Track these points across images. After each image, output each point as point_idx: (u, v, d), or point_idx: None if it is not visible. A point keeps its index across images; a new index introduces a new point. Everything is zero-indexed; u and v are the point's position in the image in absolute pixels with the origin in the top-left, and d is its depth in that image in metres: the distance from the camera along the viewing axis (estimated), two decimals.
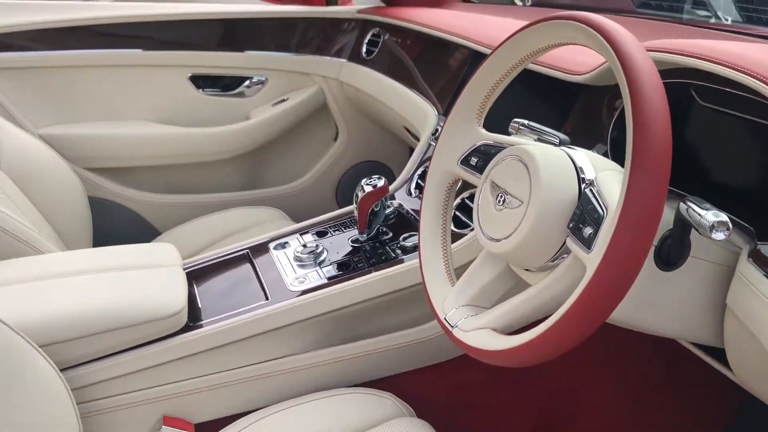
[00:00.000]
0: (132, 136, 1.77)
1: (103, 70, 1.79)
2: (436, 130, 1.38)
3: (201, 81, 1.88)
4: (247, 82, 1.93)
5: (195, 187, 1.89)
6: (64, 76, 1.75)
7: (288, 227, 1.29)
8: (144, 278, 1.04)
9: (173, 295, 1.00)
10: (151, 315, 0.97)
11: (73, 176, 1.56)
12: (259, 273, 1.14)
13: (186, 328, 1.01)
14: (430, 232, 0.91)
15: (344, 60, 1.95)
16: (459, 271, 0.88)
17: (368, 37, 1.91)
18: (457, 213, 1.15)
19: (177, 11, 1.83)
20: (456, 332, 0.78)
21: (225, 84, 1.90)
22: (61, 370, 0.89)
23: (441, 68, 1.53)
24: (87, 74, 1.77)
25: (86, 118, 1.78)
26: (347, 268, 1.12)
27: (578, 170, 0.71)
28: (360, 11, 1.95)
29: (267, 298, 1.07)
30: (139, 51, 1.81)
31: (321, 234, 1.24)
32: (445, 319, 0.81)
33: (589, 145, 0.94)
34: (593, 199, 0.67)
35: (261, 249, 1.22)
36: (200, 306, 1.07)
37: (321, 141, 2.08)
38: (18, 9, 1.71)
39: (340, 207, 1.32)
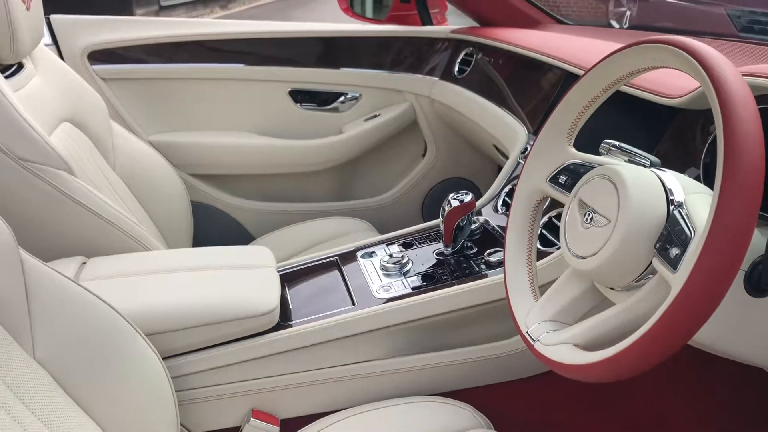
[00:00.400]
0: (234, 145, 1.88)
1: (209, 82, 1.90)
2: (526, 148, 1.40)
3: (299, 96, 1.97)
4: (341, 98, 2.00)
5: (288, 196, 1.98)
6: (173, 88, 1.88)
7: (375, 237, 1.34)
8: (242, 278, 1.11)
9: (268, 294, 1.06)
10: (246, 312, 1.03)
11: (179, 181, 1.67)
12: (347, 279, 1.19)
13: (277, 327, 1.07)
14: (515, 248, 0.93)
15: (436, 78, 2.00)
16: (543, 289, 0.89)
17: (461, 56, 1.94)
18: (544, 231, 1.17)
19: (278, 29, 1.93)
20: (537, 346, 0.80)
21: (321, 99, 1.99)
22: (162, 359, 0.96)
23: (532, 88, 1.55)
24: (194, 86, 1.89)
25: (192, 127, 1.90)
26: (431, 279, 1.15)
27: (668, 192, 0.72)
28: (454, 31, 1.99)
29: (353, 304, 1.11)
30: (242, 66, 1.92)
31: (407, 245, 1.28)
32: (527, 332, 0.83)
33: (681, 169, 0.94)
34: (681, 221, 0.68)
35: (349, 257, 1.27)
36: (291, 307, 1.13)
37: (410, 156, 2.12)
38: (135, 25, 1.85)
39: (426, 222, 1.36)
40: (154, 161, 1.64)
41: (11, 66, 1.31)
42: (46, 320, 0.84)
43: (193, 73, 1.88)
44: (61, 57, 1.74)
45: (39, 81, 1.38)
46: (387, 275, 1.18)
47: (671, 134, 1.04)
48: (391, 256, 1.22)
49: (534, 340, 0.81)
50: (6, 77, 1.27)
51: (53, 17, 1.74)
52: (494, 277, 1.11)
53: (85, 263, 1.15)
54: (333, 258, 1.28)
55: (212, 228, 1.89)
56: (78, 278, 1.09)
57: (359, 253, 1.27)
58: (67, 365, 0.84)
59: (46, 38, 1.72)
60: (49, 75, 1.43)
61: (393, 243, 1.30)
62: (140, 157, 1.61)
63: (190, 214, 1.69)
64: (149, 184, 1.59)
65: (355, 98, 2.01)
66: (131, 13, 7.65)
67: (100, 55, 1.78)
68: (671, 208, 0.70)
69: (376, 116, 2.01)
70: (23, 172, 1.14)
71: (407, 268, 1.19)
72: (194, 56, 1.88)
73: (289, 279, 1.22)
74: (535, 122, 1.46)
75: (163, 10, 8.76)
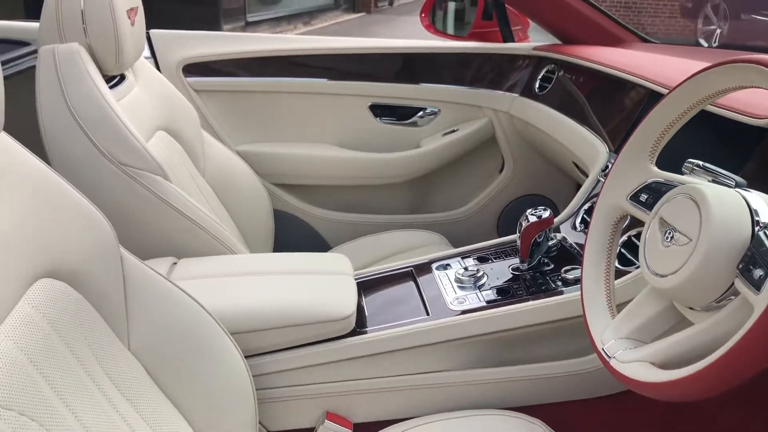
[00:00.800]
0: (315, 157, 1.95)
1: (293, 96, 1.98)
2: (606, 166, 1.39)
3: (379, 110, 2.01)
4: (420, 113, 2.04)
5: (365, 207, 2.03)
6: (260, 100, 1.96)
7: (451, 250, 1.36)
8: (321, 283, 1.15)
9: (345, 300, 1.10)
10: (325, 316, 1.07)
11: (262, 189, 1.74)
12: (422, 290, 1.21)
13: (353, 333, 1.10)
14: (594, 265, 0.93)
15: (516, 94, 2.00)
16: (619, 308, 0.89)
17: (542, 73, 1.94)
18: (623, 250, 1.16)
19: (360, 45, 1.98)
20: (613, 362, 0.80)
21: (400, 113, 2.03)
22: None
23: (615, 106, 1.53)
24: (280, 99, 1.97)
25: (277, 138, 1.98)
26: (506, 294, 1.16)
27: (752, 212, 0.71)
28: (536, 48, 2.00)
29: (428, 314, 1.13)
30: (325, 80, 1.98)
31: (482, 259, 1.29)
32: (603, 349, 0.83)
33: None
34: (767, 242, 0.67)
35: (424, 268, 1.29)
36: (366, 314, 1.16)
37: (486, 172, 2.13)
38: (226, 40, 1.95)
39: (501, 237, 1.37)
40: (241, 170, 1.71)
41: (114, 77, 1.40)
42: (140, 314, 0.90)
43: (279, 87, 1.96)
44: (158, 69, 1.85)
45: (139, 91, 1.47)
46: (462, 288, 1.20)
47: (758, 156, 1.01)
48: (466, 269, 1.24)
49: (610, 357, 0.81)
50: (111, 87, 1.36)
51: (153, 32, 1.86)
52: (570, 294, 1.11)
53: (176, 263, 1.22)
54: (408, 269, 1.30)
55: (291, 235, 1.96)
56: (170, 277, 1.16)
57: (434, 265, 1.29)
58: (158, 358, 0.90)
59: (146, 51, 1.83)
60: (148, 86, 1.52)
61: (468, 256, 1.31)
62: (228, 165, 1.68)
63: (271, 220, 1.76)
64: (235, 191, 1.67)
65: (434, 113, 2.04)
66: (220, 28, 7.95)
67: (193, 68, 1.88)
68: (756, 228, 0.69)
69: (454, 131, 2.03)
70: (123, 176, 1.22)
71: (482, 282, 1.20)
72: (280, 70, 1.96)
73: (365, 287, 1.25)
74: (617, 140, 1.45)
75: (249, 25, 9.07)
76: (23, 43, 1.65)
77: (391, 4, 15.20)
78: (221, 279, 1.15)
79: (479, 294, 1.17)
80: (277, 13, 9.98)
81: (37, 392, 0.68)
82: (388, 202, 2.05)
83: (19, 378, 0.67)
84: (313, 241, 1.98)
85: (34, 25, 1.66)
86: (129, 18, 1.35)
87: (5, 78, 1.50)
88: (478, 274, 1.21)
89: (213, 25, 7.93)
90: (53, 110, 1.22)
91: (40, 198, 0.81)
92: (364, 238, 1.77)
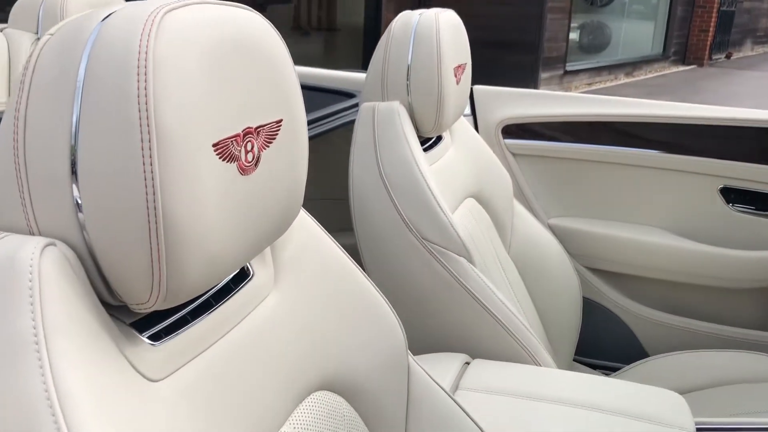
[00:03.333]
0: (642, 242, 1.63)
1: (619, 168, 1.70)
2: None
3: (732, 195, 1.63)
4: None
5: (700, 312, 1.65)
6: (580, 169, 1.72)
7: None
8: None
9: None
10: None
11: (573, 273, 1.50)
12: None
13: None
14: None
15: None
16: None
17: None
18: None
19: (706, 114, 1.62)
20: None
21: (763, 202, 1.62)
22: None
23: None
24: (603, 170, 1.71)
25: (593, 214, 1.72)
26: None
27: None
28: None
29: None
30: (657, 153, 1.67)
31: None
32: None
33: None
34: None
35: None
36: None
37: None
38: (550, 100, 1.75)
39: None
40: (551, 247, 1.50)
41: (430, 138, 1.30)
42: None
43: (604, 156, 1.69)
44: (476, 128, 1.72)
45: (454, 154, 1.35)
46: None
47: None
48: None
49: None
50: (426, 149, 1.25)
51: (476, 88, 1.74)
52: None
53: (468, 364, 1.04)
54: None
55: (599, 330, 1.67)
56: (459, 383, 0.99)
57: None
58: None
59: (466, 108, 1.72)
60: (463, 147, 1.40)
61: None
62: (536, 242, 1.48)
63: (579, 312, 1.50)
64: (542, 272, 1.46)
65: None
66: (538, 76, 7.89)
67: (512, 129, 1.72)
68: None
69: None
70: (425, 253, 1.09)
71: None
72: (606, 137, 1.69)
73: None
74: None
75: (567, 74, 8.88)
76: (352, 95, 1.65)
77: (728, 57, 13.79)
78: (518, 401, 0.94)
79: None
80: (598, 63, 9.65)
81: None
82: (733, 311, 1.64)
83: None
84: (625, 343, 1.66)
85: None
86: (455, 76, 1.23)
87: (331, 129, 1.50)
88: None
89: (531, 72, 7.90)
90: (365, 170, 1.14)
91: (337, 293, 0.69)
92: (693, 354, 1.42)
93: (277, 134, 0.55)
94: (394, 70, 1.17)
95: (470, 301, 1.08)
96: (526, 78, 7.81)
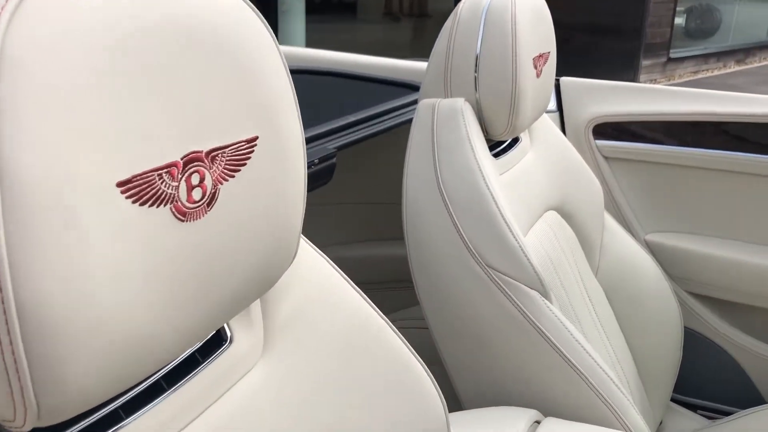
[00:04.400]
0: (757, 266, 1.37)
1: (727, 175, 1.43)
2: None
3: None
4: None
5: None
6: (686, 177, 1.47)
7: None
8: None
9: None
10: None
11: (674, 301, 1.28)
12: None
13: None
14: None
15: None
16: None
17: None
18: None
19: None
20: None
21: None
22: None
23: None
24: (707, 178, 1.45)
25: (699, 230, 1.46)
26: None
27: None
28: None
29: None
30: None
31: None
32: None
33: None
34: None
35: None
36: None
37: None
38: (651, 95, 1.50)
39: None
40: (647, 269, 1.27)
41: (503, 141, 1.10)
42: None
43: (713, 162, 1.43)
44: (562, 126, 1.51)
45: (532, 158, 1.15)
46: None
47: None
48: None
49: None
50: (496, 154, 1.06)
51: (563, 80, 1.52)
52: None
53: (538, 423, 0.85)
54: None
55: (704, 367, 1.42)
56: None
57: None
58: None
59: (551, 104, 1.50)
60: (545, 151, 1.19)
61: None
62: (631, 262, 1.27)
63: (680, 346, 1.27)
64: (636, 299, 1.24)
65: None
66: (638, 63, 7.43)
67: (605, 129, 1.49)
68: None
69: None
70: (487, 281, 0.90)
71: None
72: (717, 140, 1.44)
73: None
74: None
75: (671, 62, 8.32)
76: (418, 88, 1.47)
77: None
78: None
79: None
80: (706, 49, 9.01)
81: None
82: None
83: None
84: (740, 381, 1.41)
85: None
86: (535, 67, 1.03)
87: (391, 127, 1.32)
88: None
89: (631, 59, 7.45)
90: (420, 177, 0.97)
91: (357, 363, 0.53)
92: None
93: (247, 159, 0.39)
94: (459, 61, 0.99)
95: (543, 344, 0.88)
96: (625, 66, 7.37)
